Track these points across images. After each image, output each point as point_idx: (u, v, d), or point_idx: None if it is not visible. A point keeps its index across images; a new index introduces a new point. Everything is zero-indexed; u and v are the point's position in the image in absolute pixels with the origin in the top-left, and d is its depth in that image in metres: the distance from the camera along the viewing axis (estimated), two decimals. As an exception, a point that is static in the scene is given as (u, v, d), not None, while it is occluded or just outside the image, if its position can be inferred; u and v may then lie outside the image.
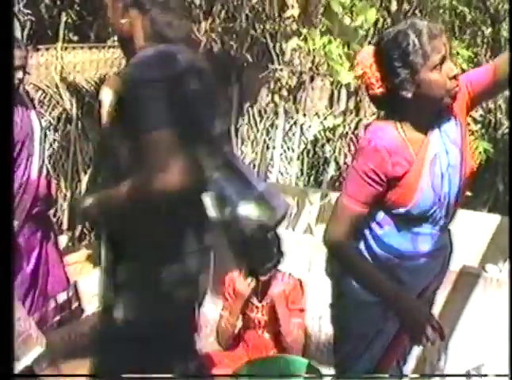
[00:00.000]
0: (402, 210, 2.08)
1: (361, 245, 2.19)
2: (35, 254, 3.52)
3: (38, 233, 3.56)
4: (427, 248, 2.17)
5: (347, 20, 3.28)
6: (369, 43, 5.27)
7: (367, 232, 2.17)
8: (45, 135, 5.41)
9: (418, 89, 2.00)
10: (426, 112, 2.08)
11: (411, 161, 2.05)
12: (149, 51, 1.93)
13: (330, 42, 3.29)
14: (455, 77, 2.02)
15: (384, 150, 2.01)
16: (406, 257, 2.16)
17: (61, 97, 5.47)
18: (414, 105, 2.04)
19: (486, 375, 1.63)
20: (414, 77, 1.98)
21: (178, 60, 1.92)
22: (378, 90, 2.06)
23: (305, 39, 3.41)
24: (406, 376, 2.73)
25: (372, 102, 2.20)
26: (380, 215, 2.13)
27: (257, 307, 3.19)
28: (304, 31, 3.44)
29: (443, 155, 2.10)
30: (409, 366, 3.08)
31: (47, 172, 3.62)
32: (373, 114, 5.45)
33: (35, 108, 3.53)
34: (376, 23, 5.37)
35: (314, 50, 3.81)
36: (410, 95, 2.01)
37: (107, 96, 3.58)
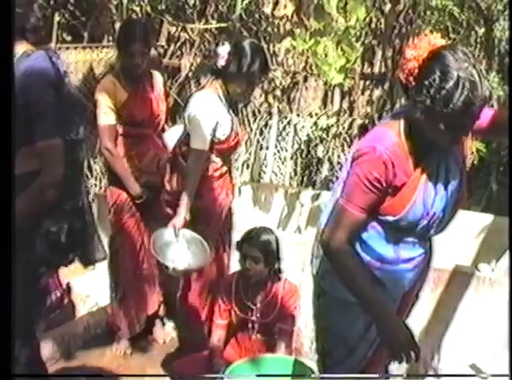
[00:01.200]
0: (390, 218, 2.09)
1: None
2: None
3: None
4: (408, 256, 2.20)
5: (339, 20, 3.28)
6: (363, 43, 5.30)
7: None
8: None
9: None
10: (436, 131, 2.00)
11: (410, 175, 2.06)
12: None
13: (317, 43, 3.29)
14: None
15: (388, 161, 2.01)
16: (386, 261, 2.18)
17: (54, 98, 5.45)
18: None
19: (486, 376, 1.63)
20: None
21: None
22: (409, 80, 1.98)
23: (294, 39, 3.41)
24: (402, 376, 2.74)
25: (400, 85, 2.10)
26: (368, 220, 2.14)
27: (251, 309, 3.18)
28: (297, 31, 3.44)
29: (442, 172, 2.11)
30: (401, 366, 3.11)
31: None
32: (367, 114, 5.47)
33: None
34: (369, 24, 5.39)
35: (305, 50, 3.80)
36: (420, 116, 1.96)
37: (102, 96, 3.59)
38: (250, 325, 3.19)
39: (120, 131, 3.59)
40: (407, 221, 2.09)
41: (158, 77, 3.79)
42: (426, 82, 1.89)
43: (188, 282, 3.43)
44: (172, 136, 3.68)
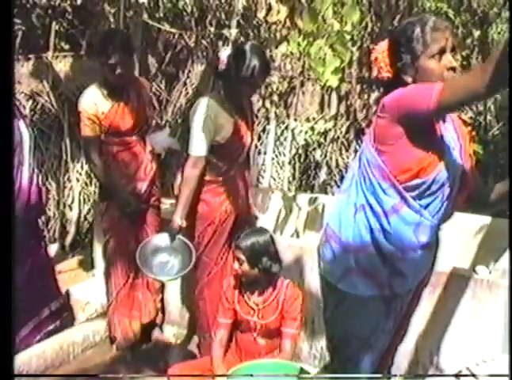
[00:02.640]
0: (419, 180, 2.15)
1: (368, 238, 2.24)
2: (27, 262, 3.52)
3: (31, 241, 3.56)
4: (425, 240, 2.24)
5: (332, 22, 3.29)
6: (359, 47, 5.32)
7: (375, 224, 2.22)
8: (37, 144, 5.43)
9: (417, 74, 2.15)
10: None
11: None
12: None
13: (311, 44, 3.30)
14: (453, 70, 2.14)
15: None
16: (407, 248, 2.23)
17: (52, 106, 5.48)
18: None
19: (486, 376, 1.64)
20: (414, 62, 2.15)
21: None
22: (385, 74, 2.23)
23: (288, 43, 3.42)
24: (401, 376, 2.75)
25: (381, 86, 2.34)
26: (389, 203, 2.18)
27: (253, 310, 3.18)
28: (290, 34, 3.45)
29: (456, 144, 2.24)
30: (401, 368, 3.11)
31: (37, 180, 3.60)
32: (365, 117, 5.48)
33: (24, 117, 3.53)
34: (365, 27, 5.41)
35: (301, 54, 3.82)
36: (410, 80, 2.16)
37: (83, 109, 3.59)
38: (252, 326, 3.19)
39: (105, 140, 3.60)
40: (433, 184, 2.16)
41: (145, 84, 3.79)
42: (397, 50, 2.17)
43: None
44: (156, 140, 3.70)
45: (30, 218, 3.52)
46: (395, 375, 2.65)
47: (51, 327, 3.69)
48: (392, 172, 2.16)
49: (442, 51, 2.13)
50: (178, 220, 3.21)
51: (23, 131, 3.46)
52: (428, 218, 2.21)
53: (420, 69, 2.15)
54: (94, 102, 3.51)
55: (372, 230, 2.22)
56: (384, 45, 2.25)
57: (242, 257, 3.07)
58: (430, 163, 2.14)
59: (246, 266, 3.08)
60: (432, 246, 2.32)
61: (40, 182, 3.68)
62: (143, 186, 3.69)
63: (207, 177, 3.31)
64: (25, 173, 3.44)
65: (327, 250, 2.37)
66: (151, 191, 3.76)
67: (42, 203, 3.62)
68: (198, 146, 3.19)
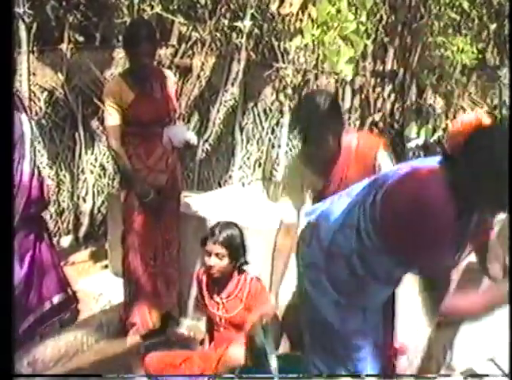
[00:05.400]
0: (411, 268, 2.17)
1: (344, 252, 2.26)
2: (29, 256, 3.54)
3: (31, 236, 3.57)
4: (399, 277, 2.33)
5: (347, 13, 3.26)
6: (374, 40, 5.28)
7: (355, 251, 2.24)
8: (51, 136, 5.46)
9: None
10: None
11: None
12: None
13: (324, 33, 3.27)
14: None
15: None
16: (379, 279, 2.25)
17: (66, 98, 5.49)
18: None
19: (486, 375, 1.64)
20: None
21: None
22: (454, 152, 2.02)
23: (302, 33, 3.40)
24: (402, 376, 2.74)
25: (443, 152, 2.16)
26: (379, 247, 2.19)
27: (217, 303, 3.18)
28: (303, 24, 3.43)
29: None
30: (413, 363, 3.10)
31: (39, 174, 3.61)
32: (379, 111, 5.44)
33: (26, 111, 3.54)
34: (380, 20, 5.37)
35: (315, 46, 3.80)
36: None
37: (107, 98, 3.62)
38: (217, 320, 3.20)
39: (128, 130, 3.62)
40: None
41: (169, 76, 3.81)
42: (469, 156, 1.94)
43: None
44: (174, 133, 3.70)
45: (32, 213, 3.53)
46: (399, 375, 2.65)
47: (53, 320, 3.71)
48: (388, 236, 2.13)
49: None
50: (273, 300, 2.83)
51: (24, 125, 3.45)
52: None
53: None
54: (119, 92, 3.55)
55: (351, 250, 2.23)
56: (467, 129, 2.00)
57: (223, 251, 3.05)
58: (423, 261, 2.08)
59: (226, 260, 3.07)
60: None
61: (42, 176, 3.68)
62: (164, 178, 3.71)
63: None
64: (26, 167, 3.44)
65: (306, 232, 2.43)
66: (172, 184, 3.78)
67: (44, 197, 3.62)
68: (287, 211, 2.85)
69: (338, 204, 2.35)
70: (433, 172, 2.02)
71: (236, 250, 3.09)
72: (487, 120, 2.03)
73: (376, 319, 2.39)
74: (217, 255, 3.05)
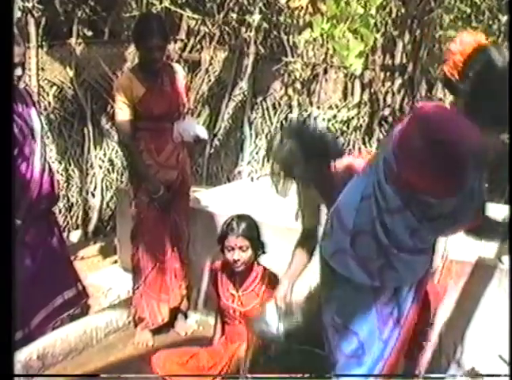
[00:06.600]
0: (431, 200, 2.10)
1: (367, 228, 2.23)
2: (40, 252, 3.54)
3: (42, 231, 3.57)
4: (420, 246, 2.24)
5: (356, 6, 3.23)
6: (383, 33, 5.24)
7: (377, 217, 2.20)
8: (60, 131, 5.46)
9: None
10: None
11: None
12: None
13: (334, 26, 3.24)
14: None
15: None
16: (401, 248, 2.22)
17: (76, 93, 5.50)
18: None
19: (486, 375, 1.63)
20: None
21: None
22: (453, 74, 2.07)
23: (311, 27, 3.37)
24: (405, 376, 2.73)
25: (443, 78, 2.19)
26: (395, 203, 2.16)
27: (233, 296, 3.17)
28: (313, 18, 3.40)
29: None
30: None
31: (50, 169, 3.61)
32: (388, 106, 5.41)
33: (35, 105, 3.53)
34: (390, 13, 5.33)
35: (324, 39, 3.76)
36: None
37: (118, 93, 3.61)
38: (231, 312, 3.18)
39: (139, 125, 3.62)
40: (443, 208, 2.12)
41: (179, 71, 3.79)
42: (471, 75, 1.98)
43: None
44: (184, 127, 3.69)
45: (43, 208, 3.53)
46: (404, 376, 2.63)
47: (64, 315, 3.71)
48: (407, 179, 2.11)
49: None
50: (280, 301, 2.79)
51: (34, 120, 3.44)
52: (427, 228, 2.19)
53: None
54: (129, 86, 3.54)
55: (372, 221, 2.21)
56: (468, 46, 2.07)
57: (246, 243, 3.04)
58: (446, 189, 2.09)
59: (249, 252, 3.07)
60: (427, 252, 2.31)
61: (52, 171, 3.68)
62: (174, 174, 3.70)
63: None
64: (37, 163, 3.43)
65: (327, 226, 2.39)
66: (182, 179, 3.77)
67: (54, 192, 3.61)
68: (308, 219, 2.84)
69: (353, 185, 2.33)
70: (439, 105, 2.07)
71: (257, 240, 3.09)
72: (485, 40, 2.08)
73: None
74: (241, 248, 3.05)
